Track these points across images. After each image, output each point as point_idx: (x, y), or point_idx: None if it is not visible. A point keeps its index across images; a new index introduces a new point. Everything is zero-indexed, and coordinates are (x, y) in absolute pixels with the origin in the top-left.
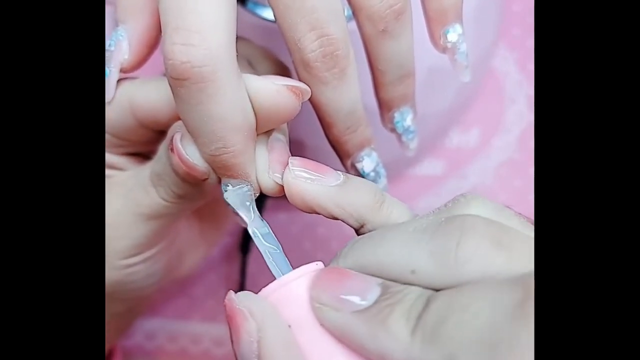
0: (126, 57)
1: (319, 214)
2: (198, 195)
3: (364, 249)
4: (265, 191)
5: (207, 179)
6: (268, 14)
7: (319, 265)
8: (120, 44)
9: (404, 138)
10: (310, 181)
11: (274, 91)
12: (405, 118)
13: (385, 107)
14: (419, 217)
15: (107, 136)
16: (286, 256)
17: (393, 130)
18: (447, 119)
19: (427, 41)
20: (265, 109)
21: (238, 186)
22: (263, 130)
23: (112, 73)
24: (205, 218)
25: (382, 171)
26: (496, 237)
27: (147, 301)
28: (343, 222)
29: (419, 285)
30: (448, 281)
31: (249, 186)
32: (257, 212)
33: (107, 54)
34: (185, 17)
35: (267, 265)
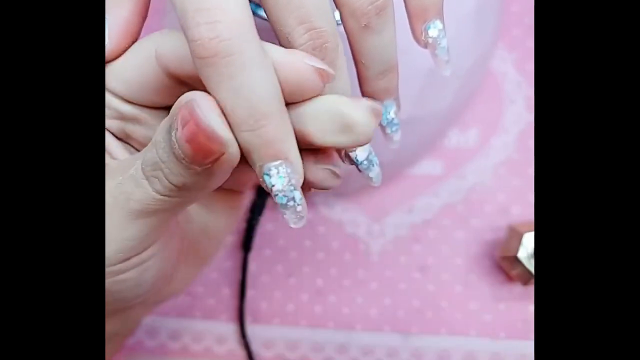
0: (105, 45)
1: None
2: (197, 185)
3: None
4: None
5: (223, 154)
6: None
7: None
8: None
9: (387, 130)
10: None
11: (301, 68)
12: (389, 111)
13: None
14: None
15: (116, 100)
16: None
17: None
18: (446, 119)
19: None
20: (289, 85)
21: (280, 167)
22: None
23: None
24: (199, 229)
25: (375, 160)
26: None
27: (130, 318)
28: None
29: None
30: None
31: (292, 166)
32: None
33: None
34: None
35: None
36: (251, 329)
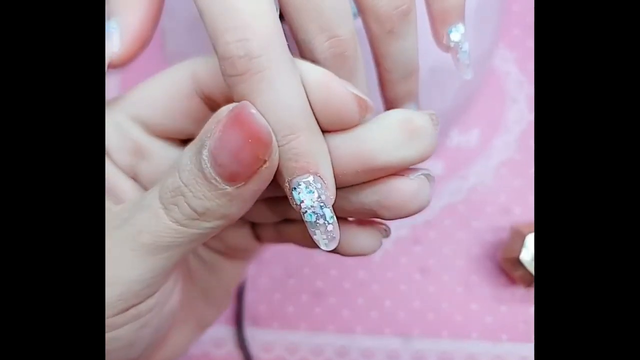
0: (116, 50)
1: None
2: (219, 211)
3: None
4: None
5: (265, 162)
6: None
7: None
8: (110, 37)
9: None
10: None
11: (342, 94)
12: None
13: (390, 104)
14: None
15: (136, 129)
16: None
17: None
18: (447, 118)
19: (428, 41)
20: (327, 109)
21: (309, 181)
22: None
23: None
24: (199, 291)
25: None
26: None
27: None
28: None
29: None
30: None
31: (321, 181)
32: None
33: None
34: (232, 17)
35: None
36: (250, 332)
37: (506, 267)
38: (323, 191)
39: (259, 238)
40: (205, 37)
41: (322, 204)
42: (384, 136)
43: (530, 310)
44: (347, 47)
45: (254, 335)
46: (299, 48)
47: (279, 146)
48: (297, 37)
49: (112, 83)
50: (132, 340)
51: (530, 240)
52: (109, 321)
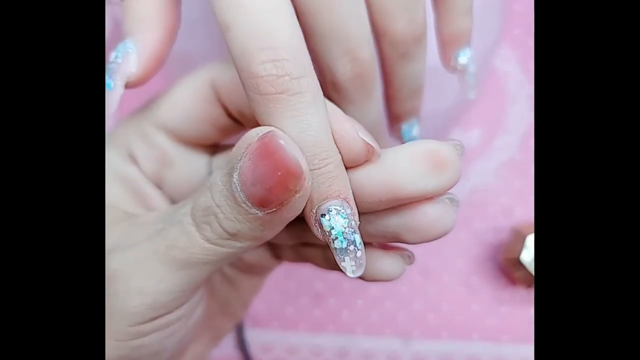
0: (134, 70)
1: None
2: (250, 234)
3: None
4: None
5: (298, 190)
6: None
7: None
8: (128, 57)
9: None
10: None
11: (353, 139)
12: (412, 130)
13: (394, 119)
14: None
15: (161, 137)
16: None
17: (399, 139)
18: (448, 119)
19: (429, 42)
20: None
21: (339, 207)
22: None
23: (116, 86)
24: (219, 304)
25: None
26: None
27: None
28: None
29: None
30: None
31: (350, 207)
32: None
33: (112, 66)
34: (269, 35)
35: None
36: (250, 333)
37: (507, 267)
38: (353, 217)
39: (277, 257)
40: (206, 37)
41: (352, 230)
42: (410, 167)
43: (530, 311)
44: (368, 69)
45: (254, 336)
46: (318, 69)
47: (313, 170)
48: (319, 59)
49: None
50: (157, 349)
51: (530, 240)
52: (136, 329)
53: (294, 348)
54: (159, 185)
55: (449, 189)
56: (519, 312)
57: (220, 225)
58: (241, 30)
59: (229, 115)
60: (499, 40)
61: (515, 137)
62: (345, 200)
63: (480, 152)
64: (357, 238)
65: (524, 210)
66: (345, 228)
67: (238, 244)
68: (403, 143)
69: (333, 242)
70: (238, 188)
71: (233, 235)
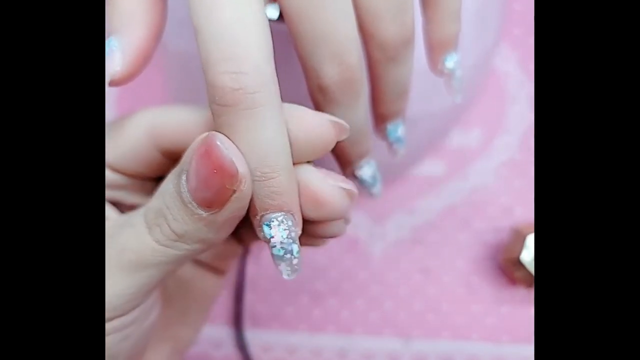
0: (118, 69)
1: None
2: (198, 235)
3: None
4: (327, 206)
5: (235, 191)
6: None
7: None
8: (112, 55)
9: (394, 146)
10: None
11: (316, 123)
12: (397, 130)
13: (380, 119)
14: None
15: (106, 170)
16: None
17: (384, 138)
18: (448, 119)
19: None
20: (301, 140)
21: (282, 218)
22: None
23: None
24: (175, 307)
25: (378, 176)
26: None
27: None
28: None
29: None
30: None
31: (293, 219)
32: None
33: None
34: (230, 45)
35: None
36: (249, 333)
37: (507, 267)
38: (294, 228)
39: (240, 240)
40: None
41: (291, 240)
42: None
43: (531, 311)
44: (356, 73)
45: (253, 336)
46: (305, 72)
47: (257, 181)
48: (305, 63)
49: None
50: (113, 352)
51: (531, 240)
52: None
53: (294, 348)
54: (116, 205)
55: (331, 220)
56: (519, 312)
57: (169, 226)
58: (207, 37)
59: (168, 157)
60: (498, 40)
61: (515, 137)
62: (289, 213)
63: (480, 152)
64: (295, 248)
65: (524, 210)
66: (283, 239)
67: (186, 246)
68: (389, 142)
69: (271, 249)
70: (185, 189)
71: (181, 237)
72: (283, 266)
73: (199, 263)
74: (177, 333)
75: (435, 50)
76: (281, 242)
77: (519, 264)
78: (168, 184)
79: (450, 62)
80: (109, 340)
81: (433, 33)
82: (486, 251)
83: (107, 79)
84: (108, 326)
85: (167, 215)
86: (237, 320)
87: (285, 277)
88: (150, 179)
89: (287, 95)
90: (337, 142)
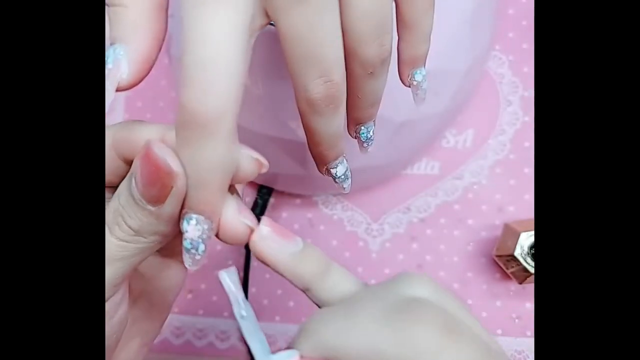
0: (124, 76)
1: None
2: (153, 226)
3: (327, 334)
4: (230, 234)
5: (172, 186)
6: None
7: (291, 356)
8: (119, 62)
9: (365, 144)
10: (273, 244)
11: (251, 158)
12: (369, 131)
13: (354, 122)
14: (367, 289)
15: None
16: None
17: (357, 137)
18: (443, 120)
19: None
20: (241, 170)
21: (200, 220)
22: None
23: (108, 91)
24: (140, 306)
25: (349, 174)
26: (447, 327)
27: None
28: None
29: None
30: None
31: (210, 225)
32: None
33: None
34: (203, 78)
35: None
36: None
37: (500, 263)
38: (207, 232)
39: None
40: None
41: (201, 240)
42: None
43: (523, 305)
44: (339, 89)
45: None
46: (295, 86)
47: (193, 186)
48: (296, 78)
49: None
50: None
51: (524, 237)
52: None
53: None
54: None
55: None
56: (513, 306)
57: (125, 223)
58: (187, 62)
59: (128, 162)
60: (492, 43)
61: (508, 137)
62: (208, 219)
63: (474, 152)
64: (201, 247)
65: (517, 208)
66: (195, 237)
67: (143, 239)
68: (360, 142)
69: (184, 240)
70: (135, 190)
71: (137, 232)
72: (186, 257)
73: (165, 256)
74: (144, 328)
75: (406, 65)
76: (192, 239)
77: (512, 259)
78: (122, 187)
79: (419, 75)
80: None
81: (406, 51)
82: (480, 247)
83: (114, 86)
84: None
85: (123, 214)
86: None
87: (187, 266)
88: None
89: (284, 94)
90: (317, 147)
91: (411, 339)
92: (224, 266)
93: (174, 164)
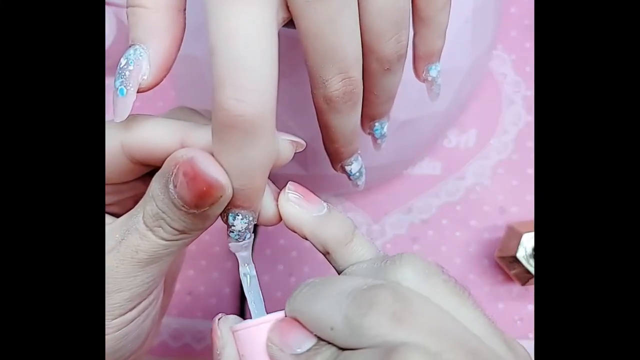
0: (145, 77)
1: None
2: (198, 225)
3: (303, 301)
4: (268, 218)
5: (222, 196)
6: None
7: (277, 315)
8: (140, 64)
9: (379, 141)
10: (298, 207)
11: (287, 142)
12: (383, 127)
13: (369, 119)
14: (371, 262)
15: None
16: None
17: (370, 134)
18: (445, 120)
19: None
20: (280, 156)
21: (245, 214)
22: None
23: (129, 92)
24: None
25: (364, 171)
26: (397, 314)
27: None
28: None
29: (336, 342)
30: (354, 343)
31: (254, 215)
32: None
33: (124, 73)
34: (240, 75)
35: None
36: None
37: (503, 265)
38: (252, 221)
39: None
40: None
41: (248, 231)
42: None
43: (526, 307)
44: (357, 86)
45: None
46: (312, 83)
47: (236, 189)
48: (314, 74)
49: None
50: (139, 332)
51: (526, 238)
52: (120, 320)
53: None
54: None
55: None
56: (515, 308)
57: (170, 226)
58: (221, 61)
59: (143, 165)
60: (494, 42)
61: (511, 137)
62: (251, 211)
63: (476, 152)
64: (248, 235)
65: (520, 209)
66: (242, 229)
67: (188, 236)
68: (374, 138)
69: (230, 232)
70: (175, 197)
71: (182, 232)
72: (233, 245)
73: None
74: (162, 303)
75: (422, 60)
76: (239, 231)
77: (515, 261)
78: (156, 192)
79: (434, 71)
80: (139, 319)
81: (422, 47)
82: (482, 249)
83: (136, 87)
84: (136, 310)
85: (165, 218)
86: (241, 316)
87: (231, 249)
88: (120, 183)
89: (297, 92)
90: (332, 144)
91: (359, 318)
92: (222, 268)
93: (221, 176)
